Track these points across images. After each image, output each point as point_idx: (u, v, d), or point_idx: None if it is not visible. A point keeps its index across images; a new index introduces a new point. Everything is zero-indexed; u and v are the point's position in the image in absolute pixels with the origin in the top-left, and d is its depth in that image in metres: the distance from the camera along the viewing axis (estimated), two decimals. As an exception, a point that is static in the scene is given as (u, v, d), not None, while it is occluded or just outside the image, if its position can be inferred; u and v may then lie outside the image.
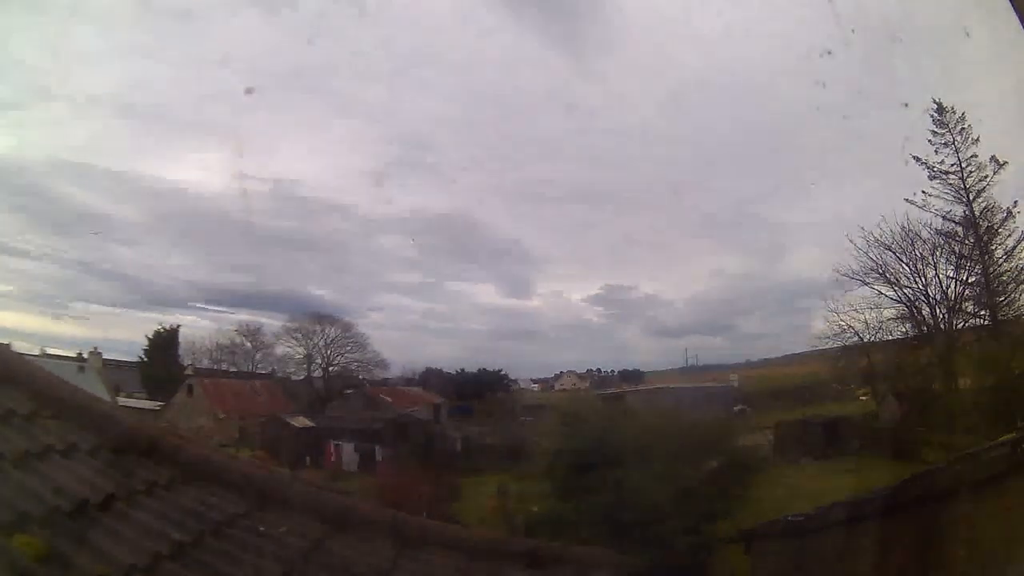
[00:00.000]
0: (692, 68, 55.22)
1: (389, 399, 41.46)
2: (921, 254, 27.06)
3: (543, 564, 3.39)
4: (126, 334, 65.58)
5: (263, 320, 61.55)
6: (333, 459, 29.38)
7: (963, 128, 26.14)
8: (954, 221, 26.74)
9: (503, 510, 18.15)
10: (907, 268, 27.38)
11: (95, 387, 22.07)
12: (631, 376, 59.81)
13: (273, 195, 51.34)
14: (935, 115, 26.34)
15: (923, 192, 26.69)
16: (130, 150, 58.40)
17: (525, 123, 64.01)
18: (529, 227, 69.80)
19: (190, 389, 34.87)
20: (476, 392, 49.06)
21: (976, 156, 25.99)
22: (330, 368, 48.86)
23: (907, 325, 28.40)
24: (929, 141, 26.46)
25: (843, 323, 29.03)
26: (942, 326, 27.08)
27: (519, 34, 53.20)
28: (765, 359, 50.57)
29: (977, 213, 26.23)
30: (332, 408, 39.91)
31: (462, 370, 52.62)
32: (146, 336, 42.38)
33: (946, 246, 26.87)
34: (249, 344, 48.19)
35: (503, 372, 52.29)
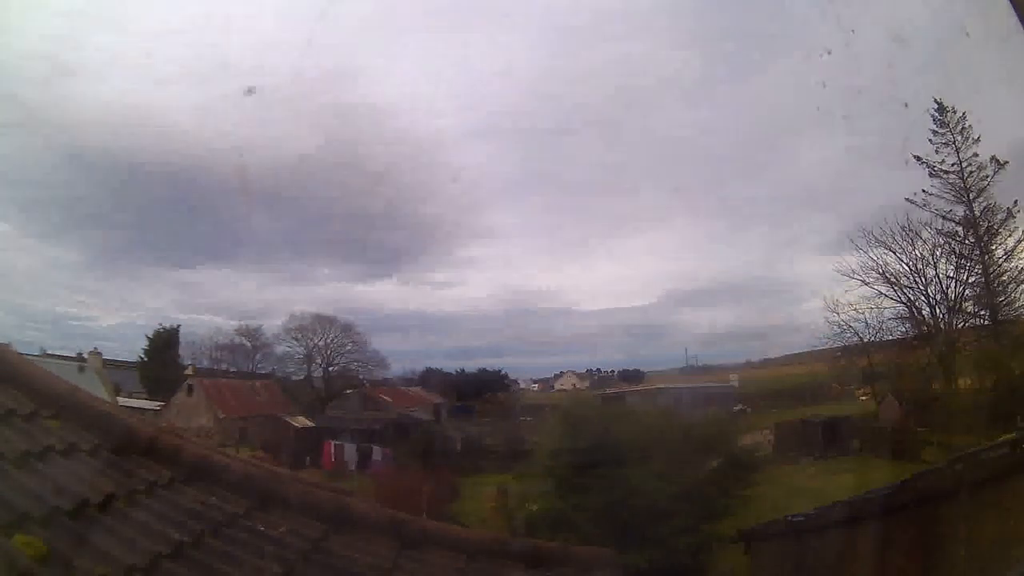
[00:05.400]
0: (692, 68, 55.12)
1: (389, 399, 41.48)
2: (921, 254, 27.09)
3: (543, 564, 3.39)
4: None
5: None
6: (333, 459, 29.38)
7: (963, 128, 26.17)
8: (954, 221, 26.76)
9: (503, 510, 18.14)
10: (907, 268, 27.42)
11: (95, 387, 22.07)
12: (631, 376, 59.77)
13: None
14: (935, 115, 26.37)
15: (923, 192, 26.73)
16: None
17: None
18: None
19: (190, 389, 34.87)
20: (476, 392, 49.06)
21: (976, 156, 26.02)
22: (330, 368, 48.85)
23: (907, 325, 28.43)
24: (929, 140, 26.49)
25: (843, 323, 29.04)
26: (942, 326, 27.07)
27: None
28: (765, 359, 50.54)
29: (977, 213, 26.24)
30: (332, 408, 39.93)
31: (462, 370, 52.66)
32: (146, 336, 42.35)
33: (946, 246, 26.89)
34: (249, 344, 48.21)
35: (503, 372, 52.36)
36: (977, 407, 18.70)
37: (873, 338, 28.81)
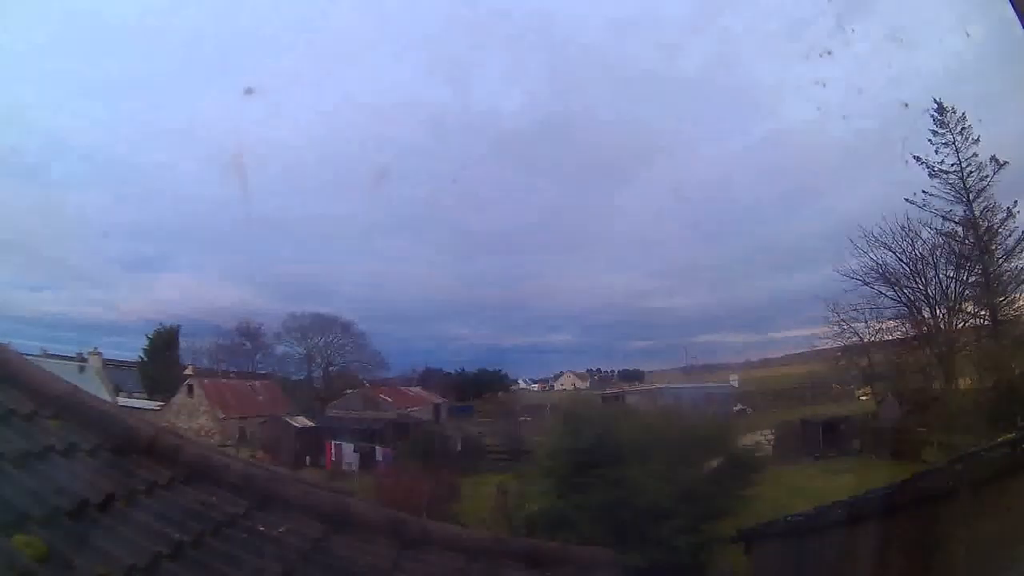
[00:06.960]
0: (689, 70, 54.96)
1: (389, 399, 41.47)
2: (921, 254, 27.08)
3: (543, 564, 3.39)
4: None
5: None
6: (333, 459, 29.37)
7: (963, 128, 26.16)
8: (954, 221, 26.76)
9: (503, 510, 18.12)
10: (907, 268, 27.40)
11: (95, 387, 22.08)
12: (631, 376, 59.83)
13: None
14: (935, 115, 26.36)
15: (923, 192, 26.72)
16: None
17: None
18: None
19: (190, 389, 34.86)
20: (476, 392, 49.11)
21: (976, 156, 26.02)
22: (330, 368, 48.92)
23: (907, 325, 28.40)
24: (929, 141, 26.50)
25: (843, 323, 29.02)
26: (942, 326, 27.06)
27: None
28: (765, 359, 50.56)
29: (977, 213, 26.24)
30: (332, 408, 39.93)
31: (462, 370, 52.74)
32: (146, 336, 42.32)
33: (946, 246, 26.88)
34: (249, 344, 48.25)
35: (503, 372, 52.42)
36: (977, 407, 18.71)
37: (873, 338, 28.81)
